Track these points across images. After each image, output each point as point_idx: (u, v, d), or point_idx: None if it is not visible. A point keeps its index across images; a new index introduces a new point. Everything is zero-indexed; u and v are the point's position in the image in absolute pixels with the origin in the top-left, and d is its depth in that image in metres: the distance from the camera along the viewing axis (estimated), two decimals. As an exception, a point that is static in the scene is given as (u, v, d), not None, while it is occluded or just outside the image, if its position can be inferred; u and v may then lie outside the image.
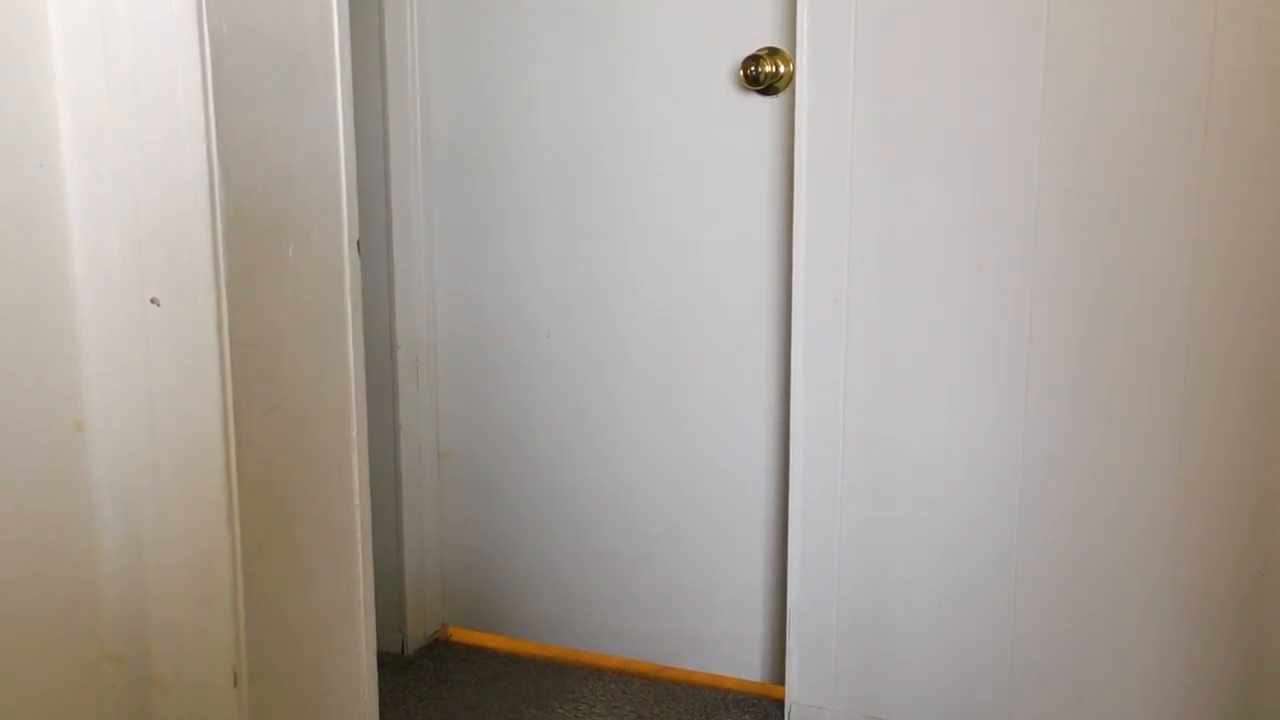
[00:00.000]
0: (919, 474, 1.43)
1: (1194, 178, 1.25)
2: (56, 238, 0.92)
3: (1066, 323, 1.33)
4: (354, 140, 1.05)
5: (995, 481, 1.39)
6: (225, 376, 0.92)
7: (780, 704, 1.64)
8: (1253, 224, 1.23)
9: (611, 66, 1.62)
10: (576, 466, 1.74)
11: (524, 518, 1.80)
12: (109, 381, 0.95)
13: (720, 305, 1.61)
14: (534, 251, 1.72)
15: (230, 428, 0.93)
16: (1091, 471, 1.34)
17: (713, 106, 1.56)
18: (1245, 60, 1.21)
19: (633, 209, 1.64)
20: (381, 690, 1.69)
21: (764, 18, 1.51)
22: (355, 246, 1.06)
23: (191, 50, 0.87)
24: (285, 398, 0.99)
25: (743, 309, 1.59)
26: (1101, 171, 1.28)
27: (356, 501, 1.09)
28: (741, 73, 1.51)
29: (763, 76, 1.49)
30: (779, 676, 1.65)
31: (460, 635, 1.90)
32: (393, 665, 1.79)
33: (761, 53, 1.50)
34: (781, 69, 1.49)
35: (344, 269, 1.05)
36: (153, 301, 0.92)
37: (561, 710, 1.64)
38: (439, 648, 1.86)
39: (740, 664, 1.69)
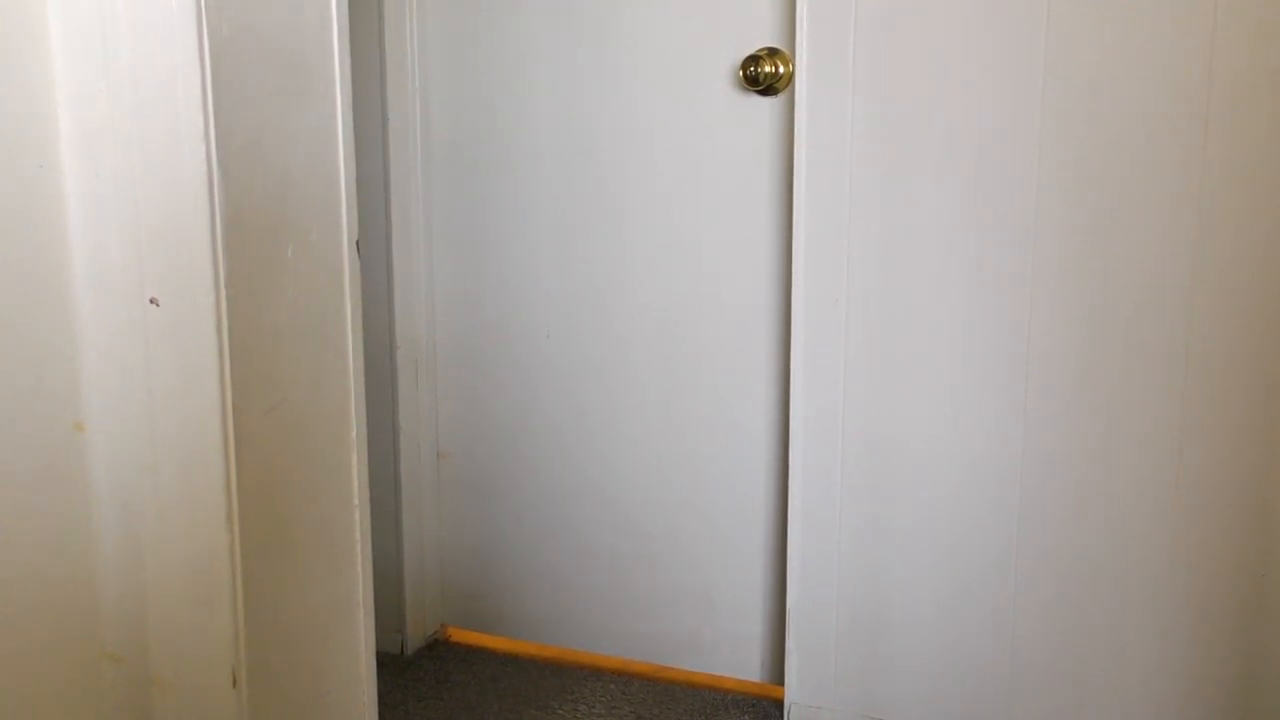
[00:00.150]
0: (919, 474, 1.43)
1: (1194, 178, 1.25)
2: (56, 238, 0.92)
3: (1066, 323, 1.33)
4: (353, 140, 1.05)
5: (995, 481, 1.39)
6: (225, 376, 0.92)
7: (780, 704, 1.64)
8: (1253, 224, 1.23)
9: (611, 66, 1.62)
10: (576, 466, 1.74)
11: (523, 518, 1.80)
12: (109, 381, 0.95)
13: (720, 305, 1.60)
14: (533, 252, 1.72)
15: (230, 428, 0.93)
16: (1091, 471, 1.34)
17: (713, 107, 1.56)
18: (1245, 60, 1.21)
19: (633, 209, 1.64)
20: (381, 691, 1.69)
21: (763, 18, 1.51)
22: (355, 247, 1.06)
23: (191, 50, 0.87)
24: (285, 398, 0.99)
25: (743, 309, 1.59)
26: (1101, 171, 1.28)
27: (356, 502, 1.09)
28: (741, 73, 1.51)
29: (762, 77, 1.49)
30: (778, 677, 1.65)
31: (460, 636, 1.90)
32: (392, 666, 1.78)
33: (761, 53, 1.50)
34: (781, 69, 1.49)
35: (343, 269, 1.05)
36: (152, 302, 0.92)
37: (561, 711, 1.64)
38: (438, 648, 1.86)
39: (740, 664, 1.69)
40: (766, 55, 1.49)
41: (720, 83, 1.55)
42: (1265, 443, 1.26)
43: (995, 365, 1.37)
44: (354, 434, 1.08)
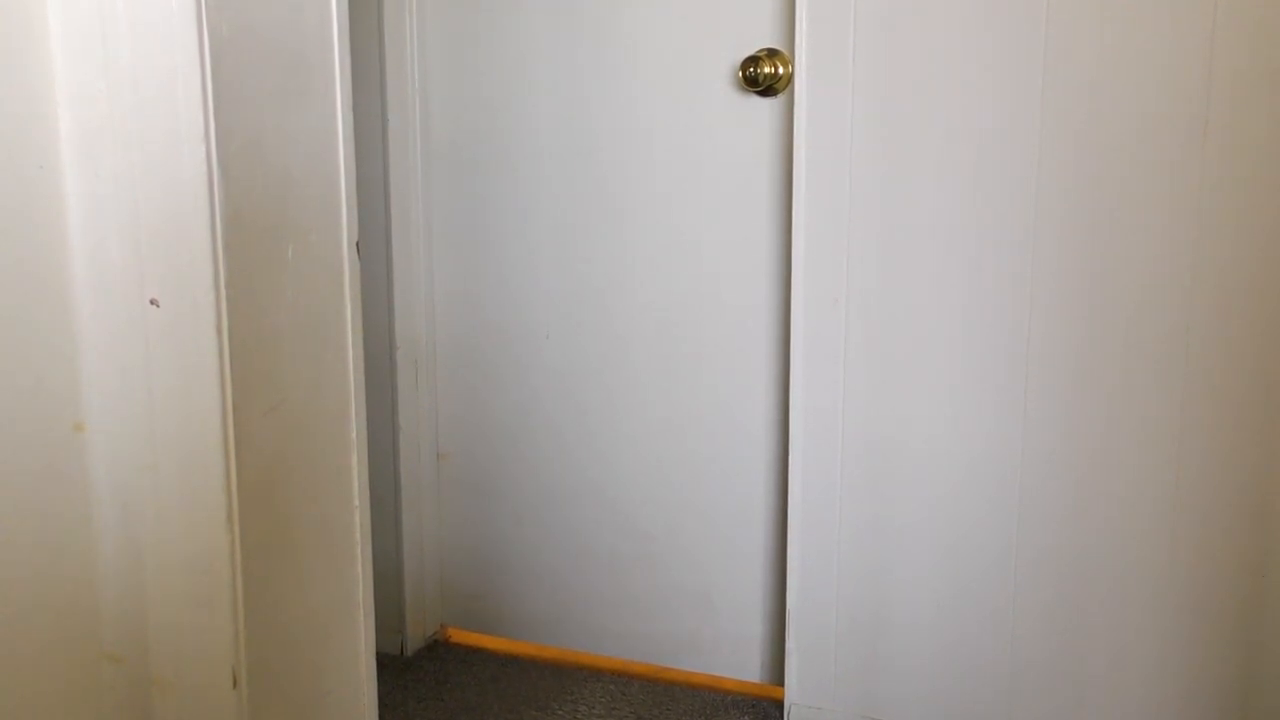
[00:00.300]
0: (919, 474, 1.43)
1: (1194, 178, 1.25)
2: (56, 238, 0.92)
3: (1066, 323, 1.33)
4: (353, 141, 1.05)
5: (995, 481, 1.39)
6: (225, 377, 0.92)
7: (780, 705, 1.64)
8: (1253, 224, 1.23)
9: (611, 66, 1.62)
10: (576, 467, 1.74)
11: (523, 518, 1.80)
12: (108, 382, 0.95)
13: (720, 305, 1.60)
14: (533, 252, 1.72)
15: (230, 428, 0.93)
16: (1091, 471, 1.34)
17: (712, 108, 1.56)
18: (1245, 60, 1.21)
19: (632, 209, 1.64)
20: (381, 691, 1.69)
21: (763, 19, 1.51)
22: (355, 247, 1.06)
23: (191, 50, 0.87)
24: (285, 398, 0.99)
25: (742, 309, 1.59)
26: (1101, 171, 1.28)
27: (356, 502, 1.09)
28: (740, 74, 1.51)
29: (762, 78, 1.49)
30: (778, 677, 1.65)
31: (459, 636, 1.90)
32: (392, 666, 1.78)
33: (760, 54, 1.50)
34: (780, 70, 1.49)
35: (343, 270, 1.05)
36: (152, 302, 0.92)
37: (560, 711, 1.64)
38: (438, 649, 1.86)
39: (739, 665, 1.69)
40: (766, 56, 1.49)
41: (720, 83, 1.55)
42: (1265, 443, 1.26)
43: (995, 365, 1.37)
44: (354, 434, 1.08)
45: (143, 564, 0.98)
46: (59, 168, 0.92)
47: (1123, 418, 1.32)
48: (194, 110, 0.88)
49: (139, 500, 0.96)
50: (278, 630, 1.00)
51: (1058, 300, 1.33)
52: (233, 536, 0.94)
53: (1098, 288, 1.31)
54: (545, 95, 1.67)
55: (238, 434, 0.93)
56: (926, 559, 1.44)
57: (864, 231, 1.40)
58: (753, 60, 1.49)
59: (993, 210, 1.34)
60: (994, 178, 1.33)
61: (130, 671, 0.99)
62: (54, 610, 0.94)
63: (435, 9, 1.72)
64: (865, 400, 1.44)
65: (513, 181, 1.71)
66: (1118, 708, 1.37)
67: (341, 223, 1.04)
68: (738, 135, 1.55)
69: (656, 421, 1.68)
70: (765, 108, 1.53)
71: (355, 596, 1.10)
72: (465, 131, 1.73)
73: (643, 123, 1.61)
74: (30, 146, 0.89)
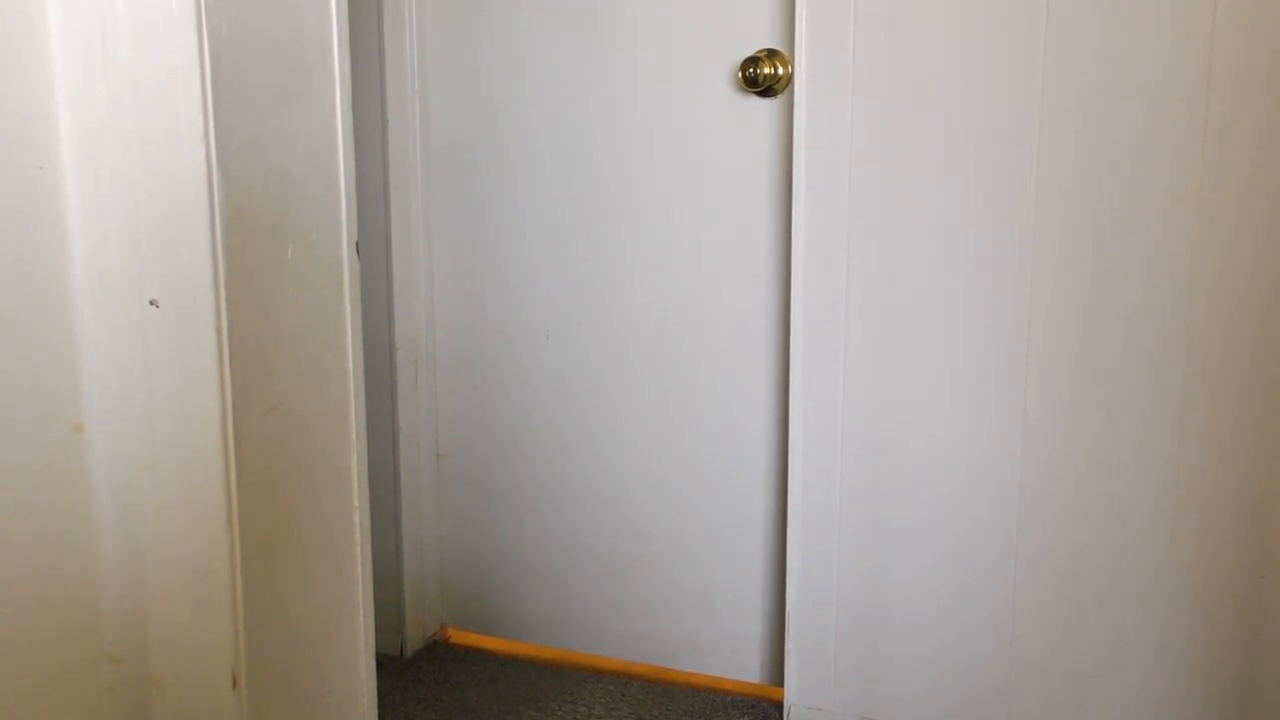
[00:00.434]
0: (918, 474, 1.43)
1: (1194, 178, 1.25)
2: (56, 238, 0.92)
3: (1066, 323, 1.33)
4: (353, 141, 1.05)
5: (995, 481, 1.39)
6: (224, 377, 0.92)
7: (779, 705, 1.64)
8: (1252, 224, 1.23)
9: (611, 67, 1.62)
10: (576, 467, 1.74)
11: (523, 518, 1.80)
12: (108, 382, 0.95)
13: (720, 305, 1.61)
14: (533, 252, 1.72)
15: (230, 428, 0.93)
16: (1091, 471, 1.34)
17: (712, 108, 1.56)
18: (1245, 60, 1.21)
19: (632, 209, 1.64)
20: (380, 692, 1.69)
21: (763, 19, 1.51)
22: (354, 248, 1.06)
23: (191, 51, 0.87)
24: (284, 398, 0.99)
25: (742, 309, 1.59)
26: (1101, 171, 1.29)
27: (355, 503, 1.09)
28: (740, 75, 1.50)
29: (761, 79, 1.49)
30: (778, 678, 1.65)
31: (459, 637, 1.90)
32: (392, 667, 1.78)
33: (760, 54, 1.50)
34: (780, 71, 1.49)
35: (343, 270, 1.05)
36: (152, 303, 0.92)
37: (560, 712, 1.64)
38: (438, 649, 1.86)
39: (739, 665, 1.69)
40: (765, 57, 1.49)
41: (720, 84, 1.55)
42: (1265, 443, 1.26)
43: (995, 365, 1.37)
44: (354, 434, 1.08)
45: (143, 564, 0.98)
46: (59, 168, 0.92)
47: (1123, 418, 1.32)
48: (194, 110, 0.88)
49: (139, 500, 0.96)
50: (277, 630, 1.00)
51: (1058, 300, 1.33)
52: (232, 537, 0.94)
53: (1097, 288, 1.31)
54: (545, 95, 1.67)
55: (237, 434, 0.93)
56: (926, 559, 1.44)
57: (864, 232, 1.40)
58: (752, 61, 1.49)
59: (993, 210, 1.34)
60: (994, 178, 1.33)
61: (130, 672, 0.99)
62: (54, 610, 0.94)
63: (435, 9, 1.72)
64: (865, 400, 1.44)
65: (512, 181, 1.71)
66: (1117, 707, 1.37)
67: (341, 223, 1.04)
68: (737, 136, 1.55)
69: (656, 421, 1.68)
70: (765, 108, 1.53)
71: (355, 597, 1.10)
72: (465, 131, 1.73)
73: (642, 123, 1.61)
74: (30, 147, 0.89)
